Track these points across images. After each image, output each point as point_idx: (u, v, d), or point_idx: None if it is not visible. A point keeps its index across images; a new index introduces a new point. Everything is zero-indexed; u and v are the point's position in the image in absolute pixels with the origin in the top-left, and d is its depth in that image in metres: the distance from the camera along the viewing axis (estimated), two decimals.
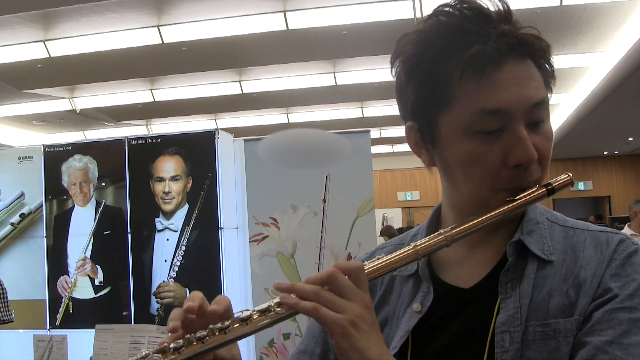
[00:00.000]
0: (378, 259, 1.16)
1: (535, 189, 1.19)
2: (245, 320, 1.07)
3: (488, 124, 1.14)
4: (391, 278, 1.35)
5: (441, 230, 1.17)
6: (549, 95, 1.21)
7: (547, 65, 1.20)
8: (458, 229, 1.17)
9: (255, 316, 1.07)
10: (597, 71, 11.40)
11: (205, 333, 1.06)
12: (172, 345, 1.05)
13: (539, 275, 1.18)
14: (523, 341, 1.13)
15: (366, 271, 1.11)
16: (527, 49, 1.15)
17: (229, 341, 1.07)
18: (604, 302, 1.11)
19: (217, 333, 1.06)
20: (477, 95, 1.14)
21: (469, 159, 1.17)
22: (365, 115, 16.03)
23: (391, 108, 15.37)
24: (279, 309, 1.07)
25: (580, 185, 21.12)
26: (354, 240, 5.16)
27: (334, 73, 12.34)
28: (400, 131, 17.85)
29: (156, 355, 1.04)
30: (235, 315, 1.09)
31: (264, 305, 1.08)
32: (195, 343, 1.05)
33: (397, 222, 17.75)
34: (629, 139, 18.01)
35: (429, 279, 1.28)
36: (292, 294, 1.07)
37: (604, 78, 11.20)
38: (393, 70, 1.25)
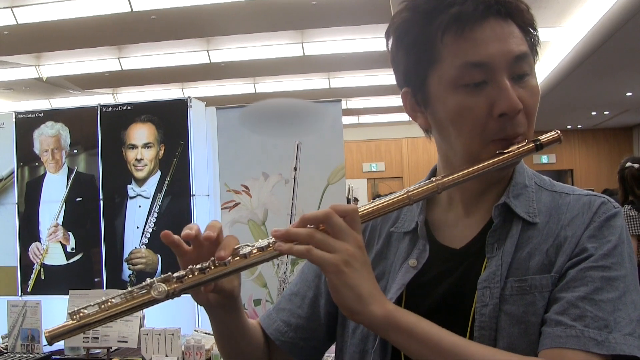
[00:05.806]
0: (372, 202, 1.24)
1: (524, 143, 1.24)
2: (245, 255, 1.15)
3: (473, 76, 1.21)
4: (388, 234, 1.43)
5: (433, 179, 1.24)
6: (536, 61, 1.28)
7: (530, 29, 1.26)
8: (449, 177, 1.24)
9: (255, 251, 1.15)
10: (559, 46, 11.47)
11: (206, 264, 1.14)
12: (175, 274, 1.13)
13: (523, 236, 1.26)
14: (502, 296, 1.21)
15: (360, 213, 1.19)
16: (505, 8, 1.22)
17: (229, 273, 1.15)
18: (579, 261, 1.19)
19: (217, 265, 1.14)
20: (461, 50, 1.21)
21: (458, 112, 1.23)
22: (332, 86, 16.07)
23: (358, 79, 15.42)
24: None
25: (544, 159, 21.34)
26: (324, 208, 5.15)
27: (302, 43, 12.35)
28: (366, 102, 17.96)
29: (160, 283, 1.12)
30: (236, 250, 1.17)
31: (264, 242, 1.16)
32: (197, 273, 1.14)
33: (362, 193, 17.81)
34: (592, 113, 18.23)
35: (426, 237, 1.36)
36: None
37: (568, 53, 11.25)
38: (388, 42, 1.34)
